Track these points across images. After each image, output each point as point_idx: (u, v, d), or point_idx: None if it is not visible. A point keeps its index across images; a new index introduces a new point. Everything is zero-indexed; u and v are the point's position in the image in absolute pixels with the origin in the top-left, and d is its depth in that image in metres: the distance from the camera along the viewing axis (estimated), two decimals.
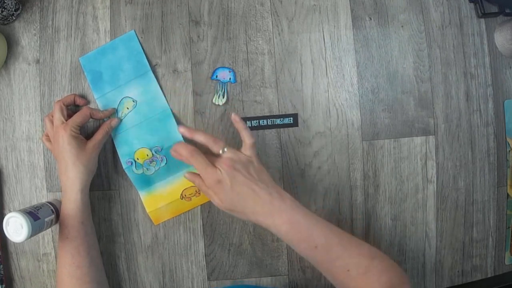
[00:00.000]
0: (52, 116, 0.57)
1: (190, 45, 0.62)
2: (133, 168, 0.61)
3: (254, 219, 0.50)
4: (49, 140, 0.59)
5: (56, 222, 0.57)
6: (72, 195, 0.55)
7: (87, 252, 0.55)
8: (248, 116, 0.62)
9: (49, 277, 0.63)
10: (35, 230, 0.52)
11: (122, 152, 0.61)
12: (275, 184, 0.52)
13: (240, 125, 0.55)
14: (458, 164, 0.64)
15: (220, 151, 0.52)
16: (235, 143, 0.62)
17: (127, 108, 0.61)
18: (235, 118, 0.55)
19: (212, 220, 0.63)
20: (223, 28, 0.63)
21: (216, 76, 0.62)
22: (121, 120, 0.61)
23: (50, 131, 0.58)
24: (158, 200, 0.62)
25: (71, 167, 0.55)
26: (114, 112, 0.61)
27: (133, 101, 0.61)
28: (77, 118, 0.56)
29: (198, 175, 0.54)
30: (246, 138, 0.54)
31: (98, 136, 0.58)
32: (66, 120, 0.57)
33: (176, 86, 0.62)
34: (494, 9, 0.63)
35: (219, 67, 0.62)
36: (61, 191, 0.57)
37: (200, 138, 0.54)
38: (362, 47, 0.63)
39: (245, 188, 0.50)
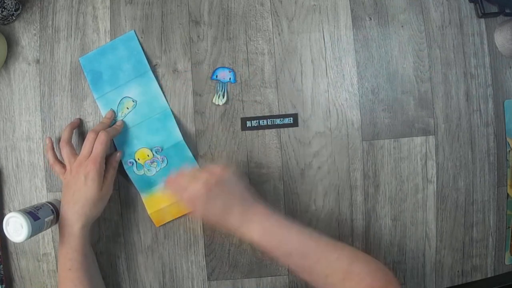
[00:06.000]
0: (64, 146, 0.57)
1: (190, 45, 0.62)
2: (134, 168, 0.61)
3: (231, 230, 0.52)
4: (60, 165, 0.58)
5: (56, 222, 0.57)
6: (75, 230, 0.54)
7: (90, 281, 0.55)
8: (248, 116, 0.62)
9: (49, 277, 0.63)
10: (35, 230, 0.52)
11: (123, 153, 0.61)
12: (247, 195, 0.54)
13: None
14: (458, 164, 0.64)
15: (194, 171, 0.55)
16: (235, 143, 0.62)
17: (127, 108, 0.61)
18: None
19: None
20: (223, 28, 0.63)
21: (216, 76, 0.62)
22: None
23: (70, 160, 0.57)
24: (159, 201, 0.62)
25: (82, 204, 0.54)
26: (114, 114, 0.61)
27: (133, 101, 0.61)
28: (102, 150, 0.56)
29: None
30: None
31: (110, 175, 0.58)
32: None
33: (176, 86, 0.62)
34: (494, 9, 0.63)
35: (219, 67, 0.62)
36: (61, 221, 0.55)
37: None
38: (362, 47, 0.63)
39: (218, 202, 0.52)
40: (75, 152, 0.58)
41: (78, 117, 0.62)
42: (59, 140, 0.61)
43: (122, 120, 0.61)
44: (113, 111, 0.61)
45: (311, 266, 0.49)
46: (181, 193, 0.54)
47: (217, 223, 0.53)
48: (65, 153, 0.57)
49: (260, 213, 0.52)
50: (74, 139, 0.61)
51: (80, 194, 0.54)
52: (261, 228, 0.51)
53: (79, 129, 0.62)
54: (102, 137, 0.56)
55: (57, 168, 0.58)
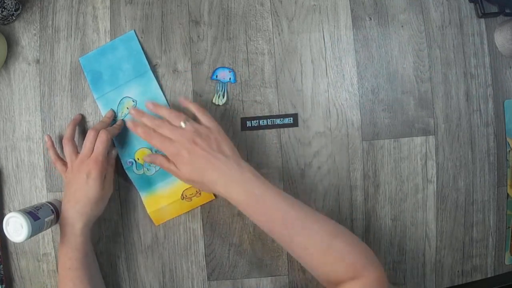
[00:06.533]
0: (67, 144, 0.57)
1: (190, 45, 0.62)
2: (134, 168, 0.61)
3: (214, 189, 0.51)
4: (62, 162, 0.59)
5: (56, 222, 0.57)
6: (76, 229, 0.54)
7: (90, 280, 0.54)
8: (248, 116, 0.62)
9: (49, 277, 0.63)
10: (35, 230, 0.52)
11: (123, 153, 0.61)
12: (235, 155, 0.53)
13: (192, 106, 0.56)
14: (458, 164, 0.64)
15: (182, 124, 0.53)
16: (235, 142, 0.62)
17: (127, 108, 0.61)
18: (183, 101, 0.57)
19: (212, 220, 0.63)
20: (223, 28, 0.63)
21: (216, 76, 0.62)
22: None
23: (71, 158, 0.57)
24: (159, 200, 0.62)
25: (83, 204, 0.54)
26: (114, 114, 0.61)
27: (133, 101, 0.61)
28: (104, 149, 0.55)
29: (158, 154, 0.56)
30: (201, 117, 0.55)
31: (108, 173, 0.57)
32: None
33: (176, 86, 0.62)
34: (494, 9, 0.63)
35: (219, 67, 0.62)
36: (62, 220, 0.55)
37: (163, 112, 0.55)
38: (362, 47, 0.63)
39: (203, 160, 0.51)
40: (77, 150, 0.58)
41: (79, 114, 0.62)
42: (60, 139, 0.61)
43: (122, 119, 0.61)
44: (113, 111, 0.61)
45: (292, 236, 0.48)
46: (165, 147, 0.52)
47: (200, 183, 0.52)
48: (67, 151, 0.57)
49: (247, 175, 0.51)
50: (75, 137, 0.61)
51: (82, 193, 0.54)
52: (247, 191, 0.50)
53: (80, 128, 0.62)
54: (103, 136, 0.56)
55: (59, 165, 0.58)
